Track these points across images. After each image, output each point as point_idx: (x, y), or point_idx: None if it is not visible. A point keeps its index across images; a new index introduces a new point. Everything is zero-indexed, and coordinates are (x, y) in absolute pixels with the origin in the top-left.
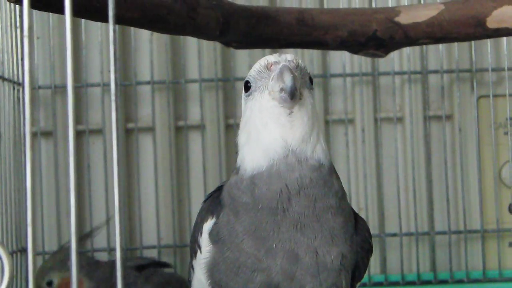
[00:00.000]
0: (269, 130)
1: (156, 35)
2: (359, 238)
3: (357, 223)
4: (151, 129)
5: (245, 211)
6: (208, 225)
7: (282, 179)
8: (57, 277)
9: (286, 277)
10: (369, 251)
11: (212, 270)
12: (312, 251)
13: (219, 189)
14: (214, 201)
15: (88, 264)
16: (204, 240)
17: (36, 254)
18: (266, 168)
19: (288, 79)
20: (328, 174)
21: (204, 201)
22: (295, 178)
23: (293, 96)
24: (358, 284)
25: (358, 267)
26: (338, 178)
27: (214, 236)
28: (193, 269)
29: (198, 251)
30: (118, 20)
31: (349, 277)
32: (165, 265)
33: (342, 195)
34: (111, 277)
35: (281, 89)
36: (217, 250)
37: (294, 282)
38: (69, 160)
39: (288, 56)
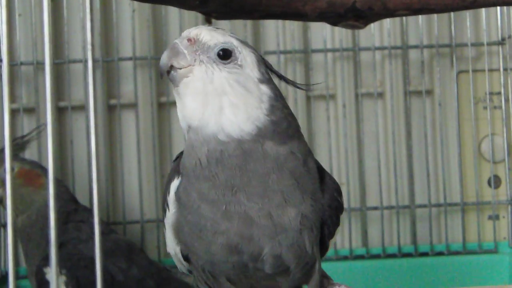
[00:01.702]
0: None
1: (138, 11)
2: (327, 196)
3: (323, 183)
4: (133, 105)
5: (191, 176)
6: (174, 184)
7: (196, 151)
8: (17, 166)
9: (243, 239)
10: (337, 209)
11: (178, 231)
12: (265, 214)
13: None
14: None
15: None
16: (171, 199)
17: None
18: (187, 137)
19: (161, 59)
20: (252, 143)
21: (173, 161)
22: (205, 151)
23: (161, 75)
24: (331, 240)
25: (326, 224)
26: (280, 144)
27: (179, 197)
28: (164, 226)
29: (167, 210)
30: None
31: (314, 235)
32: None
33: (285, 160)
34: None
35: None
36: (180, 213)
37: (252, 243)
38: (47, 137)
39: (191, 32)
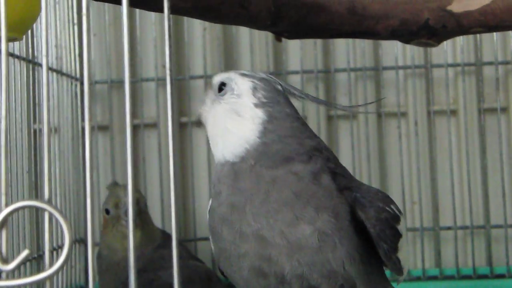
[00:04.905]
0: None
1: (208, 29)
2: (372, 210)
3: (356, 200)
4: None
5: (212, 202)
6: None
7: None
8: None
9: (262, 260)
10: (389, 219)
11: (218, 261)
12: (278, 232)
13: None
14: None
15: None
16: (210, 233)
17: (95, 244)
18: None
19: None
20: (241, 164)
21: None
22: (214, 173)
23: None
24: (394, 255)
25: (381, 239)
26: (273, 165)
27: (210, 226)
28: None
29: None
30: (171, 10)
31: (341, 252)
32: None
33: (284, 180)
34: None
35: None
36: (214, 243)
37: (272, 263)
38: (126, 154)
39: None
